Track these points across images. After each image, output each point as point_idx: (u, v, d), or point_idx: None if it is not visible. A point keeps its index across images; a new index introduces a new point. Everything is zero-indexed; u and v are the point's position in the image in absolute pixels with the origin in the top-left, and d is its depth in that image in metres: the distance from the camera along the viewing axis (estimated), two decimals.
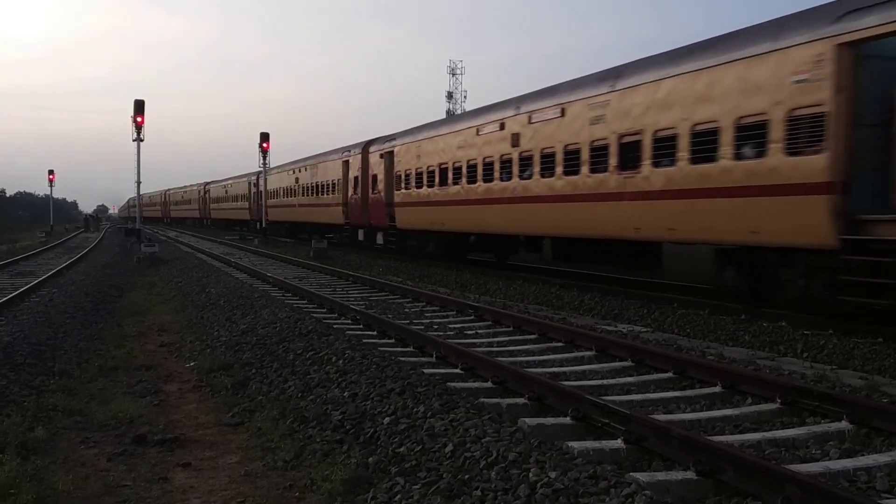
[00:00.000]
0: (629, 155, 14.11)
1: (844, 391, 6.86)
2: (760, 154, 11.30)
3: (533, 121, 17.54)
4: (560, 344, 9.42)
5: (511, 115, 18.63)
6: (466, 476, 4.80)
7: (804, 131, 10.55)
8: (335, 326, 10.82)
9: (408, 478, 4.92)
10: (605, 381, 7.58)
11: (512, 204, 18.35)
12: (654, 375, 7.75)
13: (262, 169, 44.59)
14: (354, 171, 30.90)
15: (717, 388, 6.99)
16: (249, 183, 52.36)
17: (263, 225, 43.81)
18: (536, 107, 17.57)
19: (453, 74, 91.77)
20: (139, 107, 30.40)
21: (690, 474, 4.61)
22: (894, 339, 9.74)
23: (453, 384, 7.10)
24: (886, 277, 9.38)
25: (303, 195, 40.34)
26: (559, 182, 16.37)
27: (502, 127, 18.92)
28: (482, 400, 6.51)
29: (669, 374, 7.63)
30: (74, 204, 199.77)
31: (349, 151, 32.18)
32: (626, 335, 10.32)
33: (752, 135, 11.48)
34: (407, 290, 15.61)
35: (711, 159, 12.20)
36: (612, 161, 14.55)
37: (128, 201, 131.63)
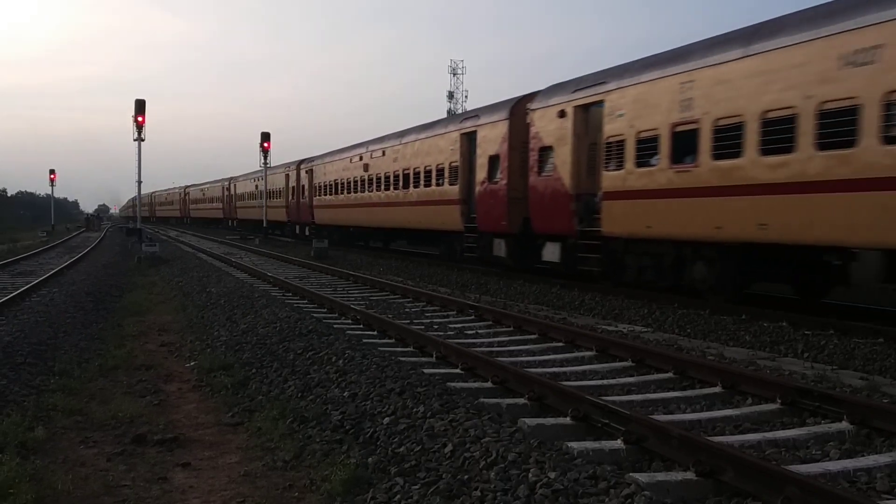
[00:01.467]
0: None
1: (845, 391, 6.86)
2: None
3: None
4: (560, 344, 9.42)
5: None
6: (466, 476, 4.79)
7: None
8: (335, 326, 10.82)
9: (407, 478, 4.92)
10: (605, 382, 7.58)
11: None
12: (654, 375, 7.74)
13: (261, 168, 44.66)
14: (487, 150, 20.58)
15: (718, 389, 6.98)
16: (289, 176, 44.22)
17: (303, 231, 41.72)
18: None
19: (454, 74, 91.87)
20: (140, 106, 30.42)
21: (690, 475, 4.61)
22: (895, 339, 9.73)
23: (453, 384, 7.10)
24: None
25: (386, 188, 28.55)
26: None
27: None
28: (482, 400, 6.50)
29: (670, 375, 7.62)
30: (75, 203, 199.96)
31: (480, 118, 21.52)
32: (626, 335, 10.32)
33: None
34: (407, 289, 15.61)
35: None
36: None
37: (129, 201, 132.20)
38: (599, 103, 15.63)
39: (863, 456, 5.19)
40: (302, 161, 41.49)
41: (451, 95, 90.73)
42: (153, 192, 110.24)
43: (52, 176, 70.54)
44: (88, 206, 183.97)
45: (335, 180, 35.03)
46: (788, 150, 11.05)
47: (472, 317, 11.92)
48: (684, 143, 13.11)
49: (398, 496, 4.68)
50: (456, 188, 22.05)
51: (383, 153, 28.75)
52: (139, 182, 33.39)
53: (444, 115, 58.05)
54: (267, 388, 7.73)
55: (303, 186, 40.68)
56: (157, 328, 12.49)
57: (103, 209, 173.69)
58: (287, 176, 44.12)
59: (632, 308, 13.32)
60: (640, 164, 14.24)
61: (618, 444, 5.27)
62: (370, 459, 5.33)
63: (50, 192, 77.09)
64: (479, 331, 10.81)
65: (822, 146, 10.57)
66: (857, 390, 7.12)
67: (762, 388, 6.73)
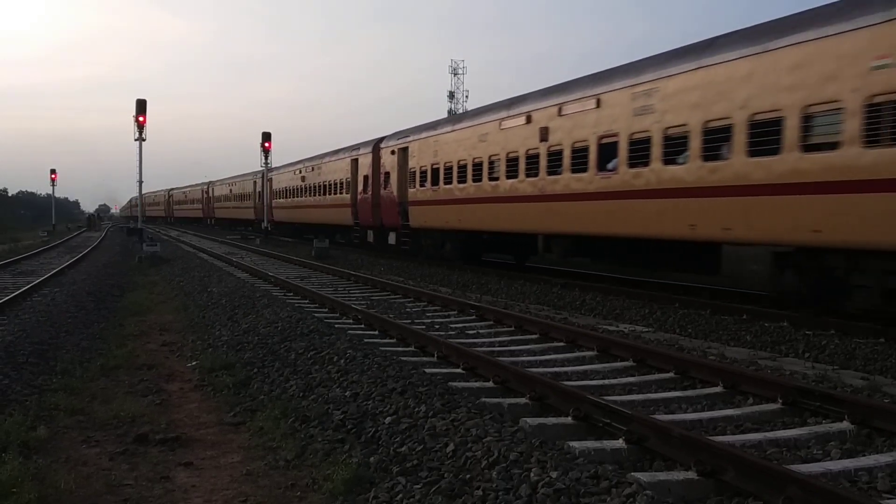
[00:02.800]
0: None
1: (846, 391, 6.86)
2: None
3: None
4: (561, 344, 9.42)
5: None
6: (468, 476, 4.80)
7: None
8: (337, 326, 10.83)
9: (409, 477, 4.93)
10: (606, 381, 7.58)
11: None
12: (655, 375, 7.75)
13: (263, 166, 44.60)
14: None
15: (719, 388, 6.99)
16: (356, 161, 31.71)
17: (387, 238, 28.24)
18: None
19: (455, 74, 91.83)
20: (141, 106, 30.46)
21: (692, 474, 4.61)
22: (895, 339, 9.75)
23: (455, 384, 7.10)
24: None
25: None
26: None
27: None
28: (483, 400, 6.51)
29: (671, 374, 7.63)
30: (76, 203, 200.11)
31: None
32: (627, 335, 10.32)
33: None
34: (408, 289, 15.61)
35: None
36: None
37: (129, 200, 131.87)
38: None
39: (864, 456, 5.20)
40: (381, 139, 29.37)
41: (451, 95, 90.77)
42: (171, 189, 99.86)
43: (52, 176, 70.62)
44: (89, 206, 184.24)
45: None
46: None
47: (473, 317, 11.92)
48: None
49: (400, 495, 4.69)
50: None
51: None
52: (140, 182, 33.47)
53: (445, 115, 58.02)
54: (268, 388, 7.73)
55: (386, 174, 27.88)
56: (158, 328, 12.50)
57: (104, 209, 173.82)
58: (354, 162, 31.67)
59: (633, 308, 13.33)
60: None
61: (619, 443, 5.28)
62: (372, 459, 5.34)
63: (51, 192, 77.18)
64: (480, 331, 10.82)
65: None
66: (857, 390, 7.13)
67: (763, 387, 6.74)
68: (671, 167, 13.54)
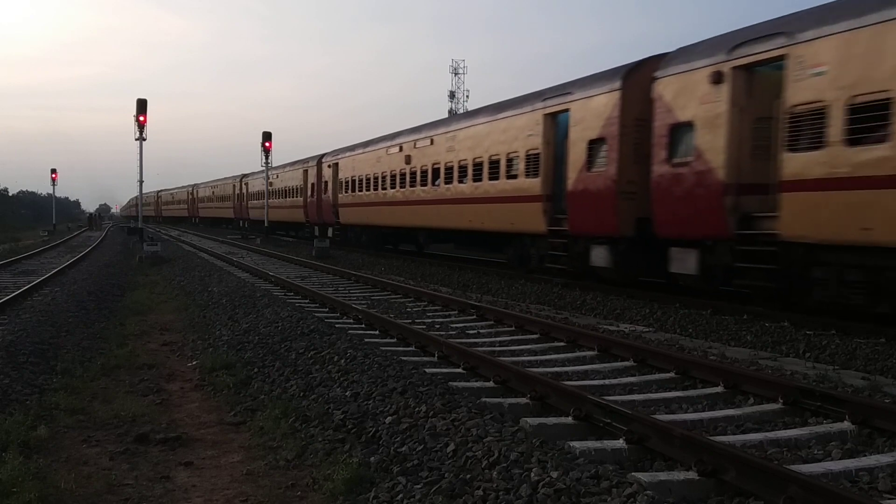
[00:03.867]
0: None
1: (846, 391, 6.85)
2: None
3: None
4: (562, 344, 9.42)
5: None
6: (468, 476, 4.80)
7: None
8: (337, 326, 10.83)
9: (410, 477, 4.92)
10: (607, 381, 7.58)
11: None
12: (656, 375, 7.74)
13: (263, 167, 44.67)
14: None
15: (720, 388, 6.98)
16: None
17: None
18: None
19: (455, 74, 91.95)
20: (142, 106, 30.48)
21: (692, 474, 4.61)
22: None
23: (455, 384, 7.10)
24: None
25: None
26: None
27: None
28: (484, 399, 6.51)
29: (671, 374, 7.62)
30: (77, 203, 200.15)
31: None
32: (628, 335, 10.32)
33: None
34: (409, 289, 15.61)
35: None
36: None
37: (130, 200, 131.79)
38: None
39: (865, 456, 5.20)
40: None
41: (452, 95, 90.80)
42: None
43: (53, 175, 70.66)
44: (90, 206, 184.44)
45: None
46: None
47: (474, 316, 11.92)
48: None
49: (400, 495, 4.69)
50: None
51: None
52: (140, 181, 33.51)
53: (447, 114, 57.85)
54: (269, 388, 7.73)
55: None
56: (158, 327, 12.50)
57: (104, 208, 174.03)
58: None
59: (633, 308, 13.32)
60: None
61: (620, 443, 5.28)
62: (372, 459, 5.34)
63: (51, 192, 77.23)
64: (481, 330, 10.82)
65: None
66: (858, 390, 7.12)
67: (764, 387, 6.74)
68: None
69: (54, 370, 8.60)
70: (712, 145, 12.56)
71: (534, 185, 17.76)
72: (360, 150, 31.38)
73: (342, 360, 8.19)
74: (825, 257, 10.84)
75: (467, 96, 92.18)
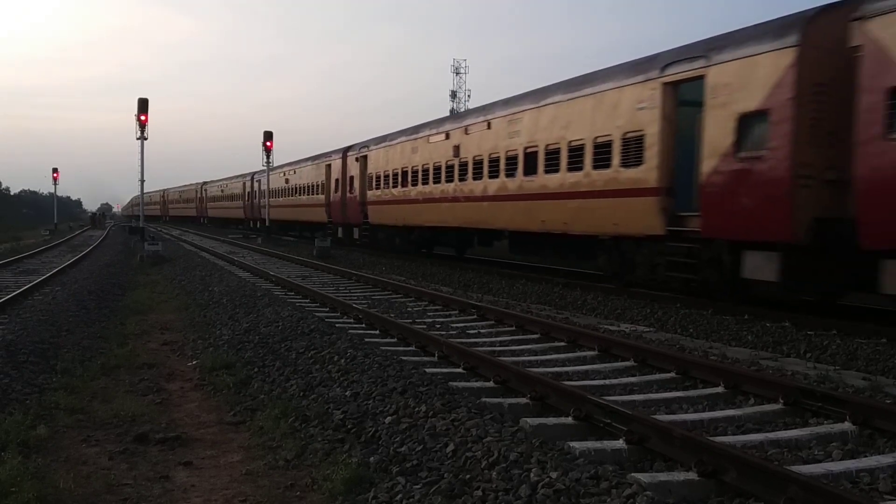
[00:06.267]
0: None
1: (847, 392, 6.84)
2: None
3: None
4: (562, 343, 9.41)
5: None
6: (468, 476, 4.79)
7: None
8: (337, 325, 10.81)
9: (409, 477, 4.91)
10: (607, 381, 7.56)
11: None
12: (656, 375, 7.73)
13: (264, 166, 44.61)
14: None
15: (720, 389, 6.97)
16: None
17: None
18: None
19: (457, 73, 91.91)
20: (143, 105, 30.50)
21: (692, 475, 4.60)
22: None
23: (455, 384, 7.09)
24: None
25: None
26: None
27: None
28: (484, 399, 6.50)
29: (672, 375, 7.61)
30: (79, 202, 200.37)
31: None
32: (628, 335, 10.30)
33: None
34: (409, 288, 15.60)
35: None
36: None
37: (131, 199, 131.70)
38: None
39: (865, 456, 5.18)
40: None
41: (453, 95, 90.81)
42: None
43: (54, 174, 70.69)
44: (92, 205, 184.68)
45: None
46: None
47: (475, 316, 11.91)
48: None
49: (400, 495, 4.68)
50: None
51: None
52: (142, 181, 33.53)
53: (448, 114, 57.96)
54: (269, 387, 7.73)
55: None
56: (159, 327, 12.50)
57: (106, 208, 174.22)
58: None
59: (634, 308, 13.31)
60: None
61: (620, 444, 5.27)
62: (372, 459, 5.33)
63: (53, 191, 77.24)
64: (481, 330, 10.81)
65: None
66: (859, 391, 7.10)
67: (765, 388, 6.72)
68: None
69: (54, 369, 8.60)
70: None
71: (644, 174, 13.86)
72: (395, 141, 27.46)
73: (342, 360, 8.18)
74: None
75: (469, 96, 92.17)
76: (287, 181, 42.35)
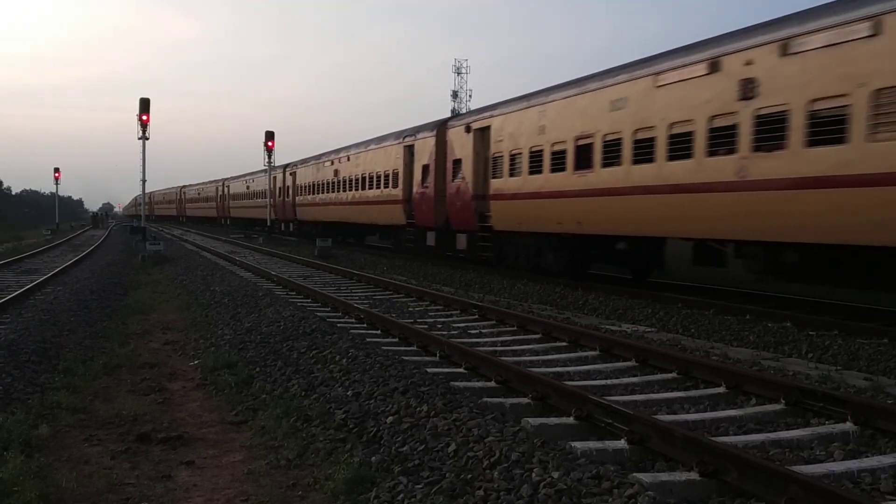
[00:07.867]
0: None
1: (849, 392, 6.84)
2: None
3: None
4: (564, 343, 9.41)
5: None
6: (469, 476, 4.79)
7: None
8: (339, 325, 10.82)
9: (410, 477, 4.92)
10: (608, 381, 7.56)
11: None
12: (658, 375, 7.73)
13: (265, 167, 44.48)
14: None
15: (722, 389, 6.97)
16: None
17: None
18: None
19: (458, 73, 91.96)
20: (144, 105, 30.50)
21: (694, 475, 4.60)
22: None
23: (457, 383, 7.09)
24: None
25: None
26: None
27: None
28: (485, 399, 6.50)
29: (673, 375, 7.61)
30: (80, 202, 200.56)
31: None
32: (630, 335, 10.30)
33: None
34: (411, 288, 15.61)
35: None
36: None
37: (133, 199, 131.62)
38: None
39: (867, 457, 5.18)
40: None
41: (455, 95, 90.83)
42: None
43: (56, 174, 70.71)
44: (94, 205, 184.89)
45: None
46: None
47: (476, 316, 11.91)
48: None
49: (401, 495, 4.68)
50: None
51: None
52: (143, 181, 33.53)
53: (449, 114, 57.91)
54: (271, 387, 7.73)
55: None
56: (161, 326, 12.50)
57: (108, 207, 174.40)
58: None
59: (635, 308, 13.31)
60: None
61: (621, 444, 5.27)
62: (373, 458, 5.33)
63: (54, 191, 77.25)
64: (483, 330, 10.81)
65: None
66: (861, 391, 7.10)
67: (766, 388, 6.72)
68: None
69: (56, 369, 8.60)
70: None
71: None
72: (535, 101, 18.31)
73: (344, 360, 8.19)
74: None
75: (470, 96, 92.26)
76: (336, 172, 33.88)
